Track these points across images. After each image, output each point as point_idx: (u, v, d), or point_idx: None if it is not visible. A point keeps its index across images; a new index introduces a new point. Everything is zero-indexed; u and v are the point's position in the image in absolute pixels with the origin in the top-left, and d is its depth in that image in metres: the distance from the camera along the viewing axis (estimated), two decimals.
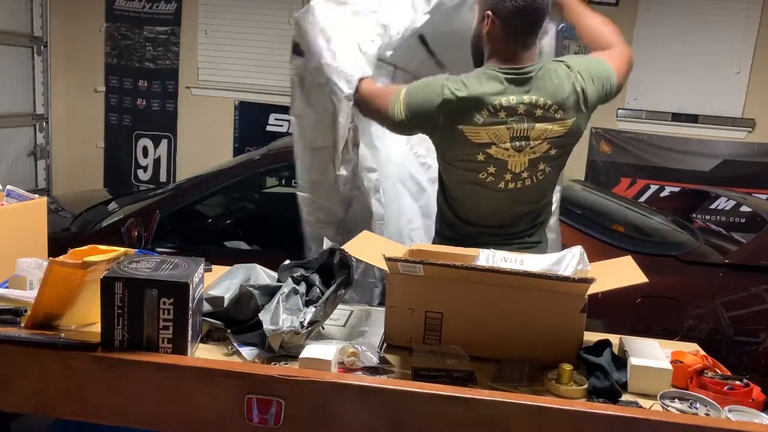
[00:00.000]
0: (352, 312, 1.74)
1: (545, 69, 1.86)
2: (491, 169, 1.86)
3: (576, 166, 5.45)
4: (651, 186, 5.48)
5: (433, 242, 2.05)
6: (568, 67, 1.89)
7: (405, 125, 1.92)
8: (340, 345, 1.42)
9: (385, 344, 1.55)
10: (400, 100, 1.89)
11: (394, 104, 1.90)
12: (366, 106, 2.02)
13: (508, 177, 1.87)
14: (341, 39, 2.07)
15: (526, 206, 1.96)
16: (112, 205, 3.52)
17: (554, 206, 2.20)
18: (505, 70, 1.84)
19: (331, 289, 1.49)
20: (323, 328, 1.57)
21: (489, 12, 1.85)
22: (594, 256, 1.72)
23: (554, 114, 1.84)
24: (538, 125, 1.83)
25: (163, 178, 6.06)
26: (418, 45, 2.40)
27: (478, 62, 1.95)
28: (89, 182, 5.93)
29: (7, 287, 1.69)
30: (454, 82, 1.85)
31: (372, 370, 1.39)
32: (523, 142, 1.84)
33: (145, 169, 6.10)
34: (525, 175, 1.88)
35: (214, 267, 1.89)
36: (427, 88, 1.88)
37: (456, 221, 1.98)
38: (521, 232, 1.98)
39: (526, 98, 1.82)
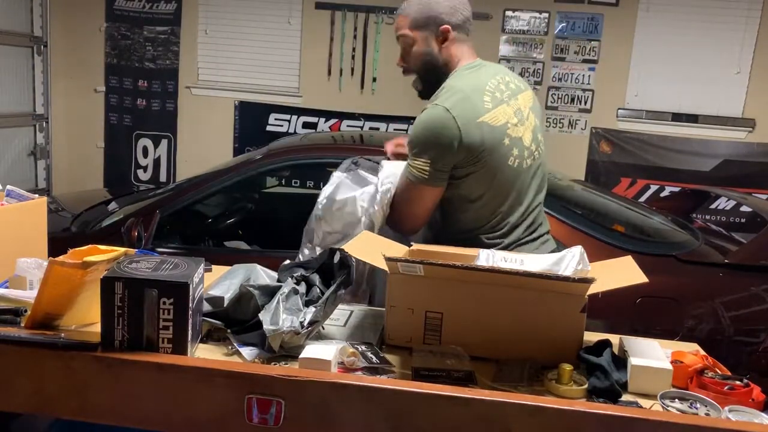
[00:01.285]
0: (352, 312, 1.74)
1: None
2: (515, 152, 1.90)
3: (576, 166, 5.46)
4: (651, 186, 5.49)
5: None
6: None
7: (440, 173, 1.86)
8: (340, 345, 1.42)
9: (385, 344, 1.55)
10: (410, 163, 1.86)
11: (412, 173, 1.86)
12: (402, 208, 1.93)
13: (526, 154, 1.93)
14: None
15: (540, 184, 2.02)
16: (112, 205, 3.52)
17: None
18: (472, 65, 1.98)
19: (331, 289, 1.49)
20: (323, 328, 1.57)
21: (447, 27, 1.95)
22: (594, 256, 1.73)
23: (519, 84, 2.02)
24: (519, 96, 1.98)
25: (163, 178, 6.06)
26: None
27: (437, 82, 1.97)
28: (89, 182, 5.94)
29: (7, 287, 1.69)
30: (442, 95, 1.87)
31: (372, 370, 1.39)
32: (521, 115, 1.94)
33: (145, 169, 6.10)
34: (533, 147, 1.97)
35: (214, 267, 1.89)
36: (423, 121, 1.86)
37: (483, 226, 1.95)
38: (535, 223, 2.01)
39: (498, 78, 1.96)
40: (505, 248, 1.92)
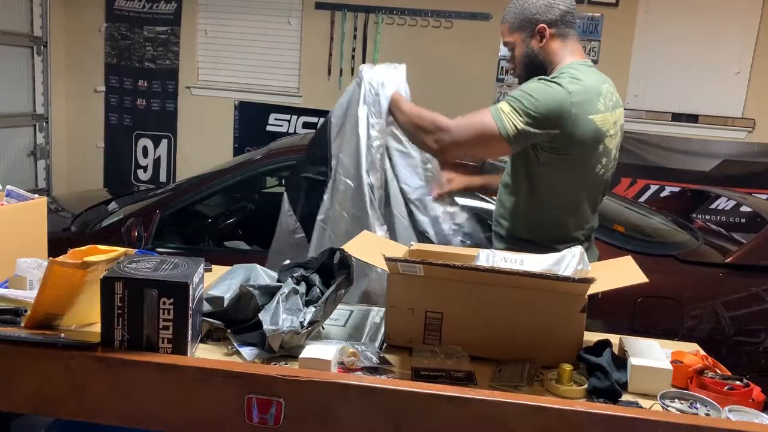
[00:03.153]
0: (352, 312, 1.74)
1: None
2: (603, 160, 1.94)
3: None
4: (651, 186, 5.48)
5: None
6: None
7: (524, 136, 1.84)
8: (340, 345, 1.42)
9: (385, 344, 1.55)
10: (507, 112, 1.83)
11: (501, 120, 1.83)
12: (464, 139, 1.91)
13: (609, 166, 1.98)
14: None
15: (604, 193, 2.08)
16: (112, 205, 3.52)
17: None
18: (587, 63, 1.97)
19: (331, 289, 1.49)
20: (323, 328, 1.57)
21: (543, 26, 1.95)
22: None
23: (618, 100, 2.00)
24: (617, 110, 1.98)
25: (163, 178, 6.06)
26: None
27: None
28: (89, 182, 5.93)
29: (7, 287, 1.69)
30: (562, 78, 1.86)
31: (372, 370, 1.39)
32: (615, 129, 1.96)
33: (145, 169, 6.10)
34: (613, 162, 2.01)
35: (214, 267, 1.89)
36: (540, 90, 1.85)
37: (555, 227, 1.97)
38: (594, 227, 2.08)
39: (607, 86, 1.96)
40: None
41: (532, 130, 1.83)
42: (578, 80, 1.86)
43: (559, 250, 1.72)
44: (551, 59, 1.98)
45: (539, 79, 1.89)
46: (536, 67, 1.99)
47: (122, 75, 6.01)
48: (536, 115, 1.82)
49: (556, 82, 1.85)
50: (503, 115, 1.84)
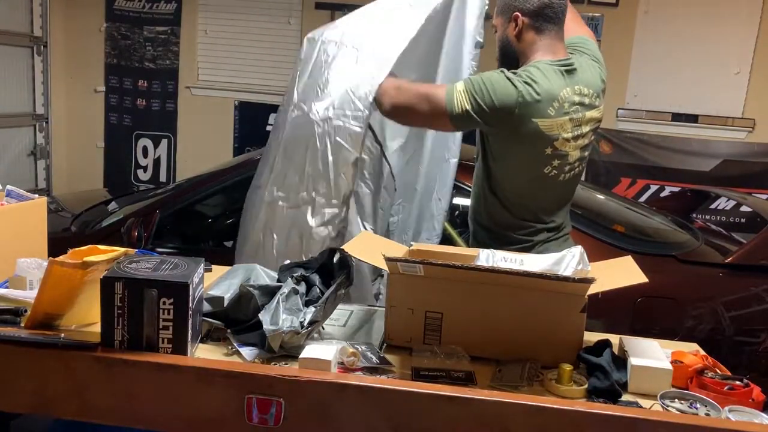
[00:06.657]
0: (352, 312, 1.74)
1: (579, 60, 1.97)
2: (555, 162, 1.92)
3: None
4: (651, 186, 5.48)
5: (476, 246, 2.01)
6: (595, 60, 2.03)
7: (467, 119, 1.86)
8: (340, 345, 1.42)
9: (385, 344, 1.55)
10: (461, 91, 1.85)
11: (452, 97, 1.85)
12: (404, 105, 1.97)
13: (567, 168, 1.96)
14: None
15: (570, 195, 2.08)
16: (112, 205, 3.52)
17: None
18: (556, 63, 1.91)
19: (331, 289, 1.49)
20: (323, 328, 1.57)
21: (517, 14, 1.92)
22: (594, 256, 1.73)
23: (594, 101, 1.97)
24: (587, 113, 1.95)
25: (163, 178, 6.06)
26: None
27: (510, 67, 1.96)
28: (89, 182, 5.93)
29: (7, 287, 1.69)
30: (518, 76, 1.84)
31: (372, 370, 1.39)
32: (578, 132, 1.94)
33: (145, 169, 6.10)
34: (576, 164, 1.99)
35: (214, 267, 1.89)
36: (495, 83, 1.84)
37: (514, 222, 1.99)
38: (562, 224, 2.07)
39: (577, 88, 1.92)
40: (532, 247, 1.95)
41: (474, 116, 1.85)
42: (534, 83, 1.83)
43: (518, 239, 1.82)
44: (523, 51, 1.95)
45: (501, 71, 1.88)
46: (509, 55, 1.98)
47: (122, 75, 6.01)
48: (483, 105, 1.83)
49: (510, 81, 1.83)
50: (456, 93, 1.86)
